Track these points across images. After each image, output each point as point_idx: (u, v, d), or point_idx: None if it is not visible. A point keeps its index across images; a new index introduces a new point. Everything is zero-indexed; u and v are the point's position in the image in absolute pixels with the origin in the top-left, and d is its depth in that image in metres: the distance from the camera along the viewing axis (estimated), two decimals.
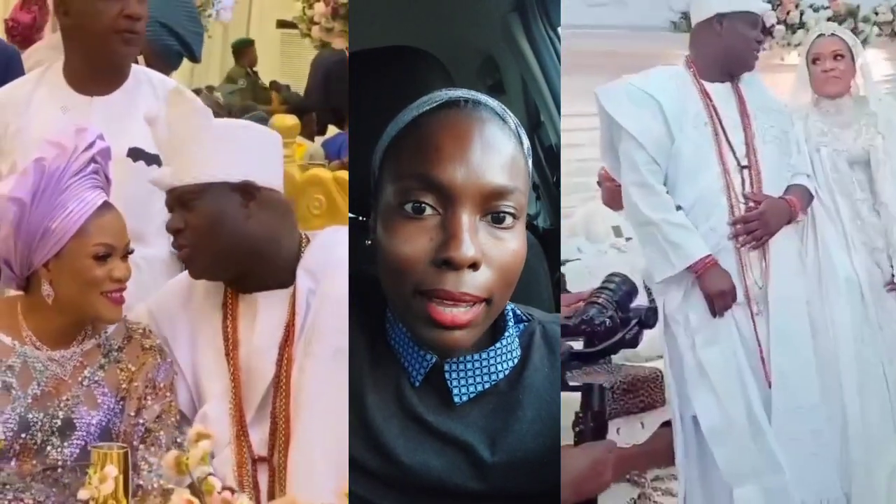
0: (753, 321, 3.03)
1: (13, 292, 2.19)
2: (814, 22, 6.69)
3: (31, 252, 2.05)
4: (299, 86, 6.89)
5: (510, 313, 1.56)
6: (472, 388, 1.49)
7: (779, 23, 6.50)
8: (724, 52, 3.14)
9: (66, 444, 2.04)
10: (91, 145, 2.10)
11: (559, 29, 2.95)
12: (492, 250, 1.42)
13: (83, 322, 2.11)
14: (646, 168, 3.01)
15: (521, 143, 1.47)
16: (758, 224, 3.07)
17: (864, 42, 6.99)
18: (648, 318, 2.66)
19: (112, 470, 1.55)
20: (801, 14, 6.72)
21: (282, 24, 8.22)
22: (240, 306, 2.17)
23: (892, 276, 3.38)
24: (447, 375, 1.49)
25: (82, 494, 1.56)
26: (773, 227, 3.10)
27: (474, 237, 1.40)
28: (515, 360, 1.54)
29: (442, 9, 2.74)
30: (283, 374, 2.10)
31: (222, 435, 2.11)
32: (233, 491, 1.57)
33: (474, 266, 1.39)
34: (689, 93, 3.14)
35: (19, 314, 2.10)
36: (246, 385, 2.14)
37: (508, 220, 1.43)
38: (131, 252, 2.12)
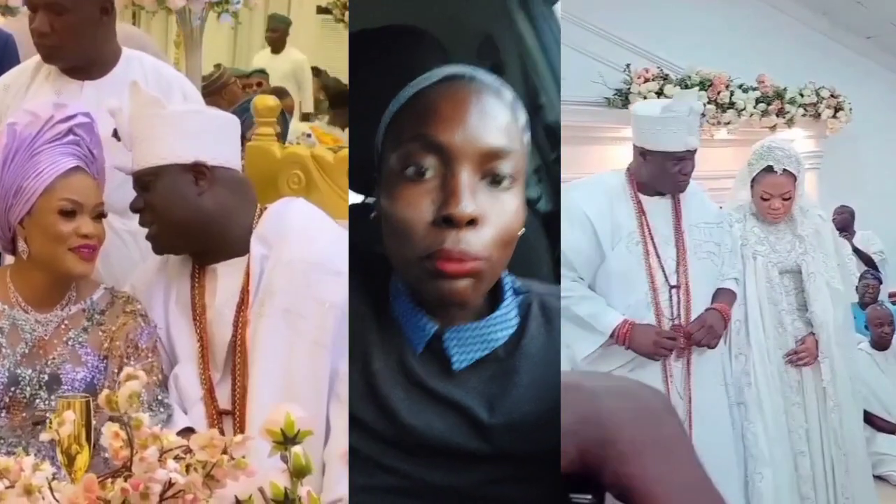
0: None
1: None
2: (743, 102, 6.77)
3: (7, 210, 2.19)
4: (338, 71, 6.96)
5: (508, 285, 1.58)
6: (470, 356, 1.52)
7: (709, 102, 6.58)
8: (652, 179, 3.29)
9: (52, 397, 2.15)
10: (69, 118, 2.22)
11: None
12: (490, 210, 1.43)
13: (60, 279, 2.23)
14: (570, 285, 3.18)
15: (517, 113, 1.50)
16: (705, 332, 3.28)
17: (790, 122, 7.17)
18: None
19: (70, 415, 1.59)
20: (731, 94, 6.77)
21: (321, 10, 8.26)
22: (205, 275, 2.34)
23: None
24: (446, 343, 1.52)
25: (43, 437, 1.60)
26: (719, 333, 3.34)
27: (473, 195, 1.43)
28: (513, 329, 1.55)
29: None
30: (239, 334, 2.26)
31: (193, 393, 2.29)
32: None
33: (473, 223, 1.42)
34: (625, 208, 3.30)
35: (8, 280, 2.23)
36: (211, 347, 2.30)
37: (506, 181, 1.46)
38: (104, 215, 2.24)
